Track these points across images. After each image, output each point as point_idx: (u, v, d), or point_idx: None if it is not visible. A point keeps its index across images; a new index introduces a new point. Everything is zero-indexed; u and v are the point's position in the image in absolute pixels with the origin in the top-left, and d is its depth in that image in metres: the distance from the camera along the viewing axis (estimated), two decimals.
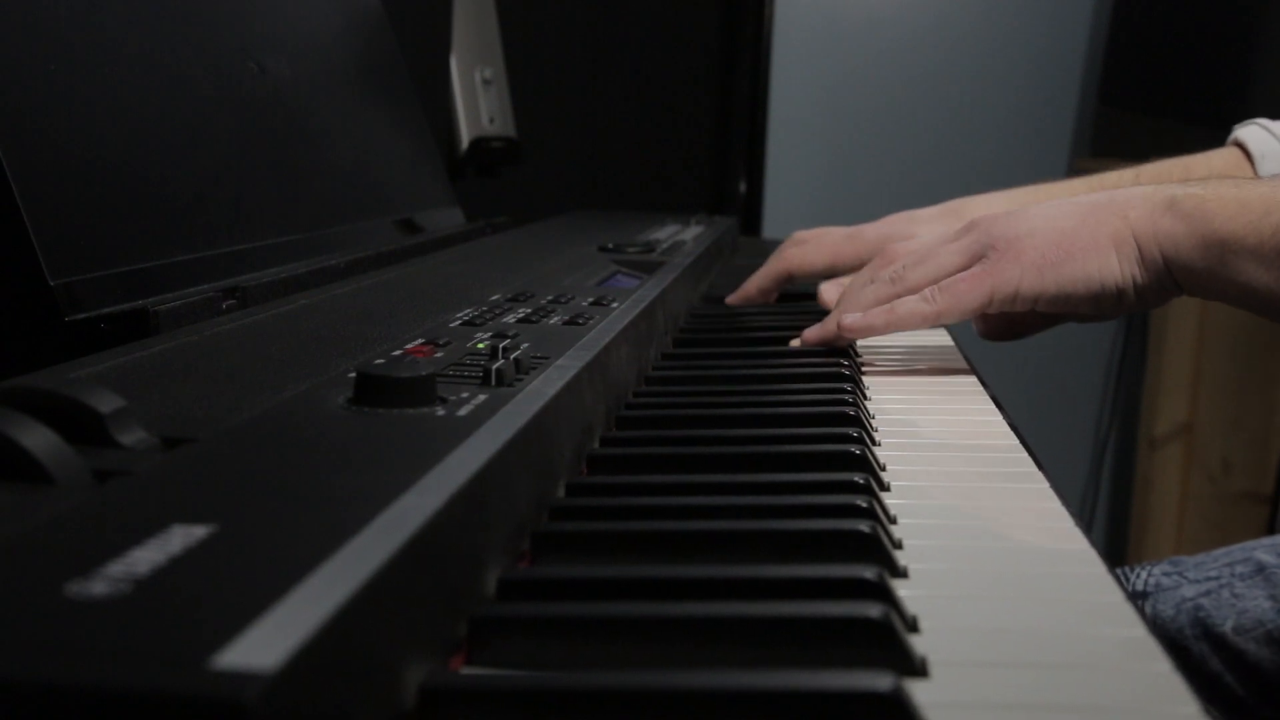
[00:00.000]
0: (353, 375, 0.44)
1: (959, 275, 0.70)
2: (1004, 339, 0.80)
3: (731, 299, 0.97)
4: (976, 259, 0.70)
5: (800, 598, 0.37)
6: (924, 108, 2.12)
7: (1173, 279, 0.66)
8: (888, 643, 0.34)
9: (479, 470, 0.37)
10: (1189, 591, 0.78)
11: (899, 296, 0.72)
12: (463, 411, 0.43)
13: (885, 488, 0.52)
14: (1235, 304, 0.65)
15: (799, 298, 0.97)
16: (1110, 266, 0.66)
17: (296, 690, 0.24)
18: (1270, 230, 0.61)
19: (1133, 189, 0.69)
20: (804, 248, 0.94)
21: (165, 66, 0.72)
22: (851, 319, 0.72)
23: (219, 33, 0.80)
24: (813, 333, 0.77)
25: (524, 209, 1.43)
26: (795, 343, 0.78)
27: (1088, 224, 0.67)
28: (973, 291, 0.68)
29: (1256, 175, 0.91)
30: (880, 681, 0.30)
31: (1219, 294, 0.65)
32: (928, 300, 0.70)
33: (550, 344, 0.57)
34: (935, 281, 0.71)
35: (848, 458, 0.53)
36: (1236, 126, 0.94)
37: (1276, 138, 0.91)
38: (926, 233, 0.89)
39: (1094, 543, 0.45)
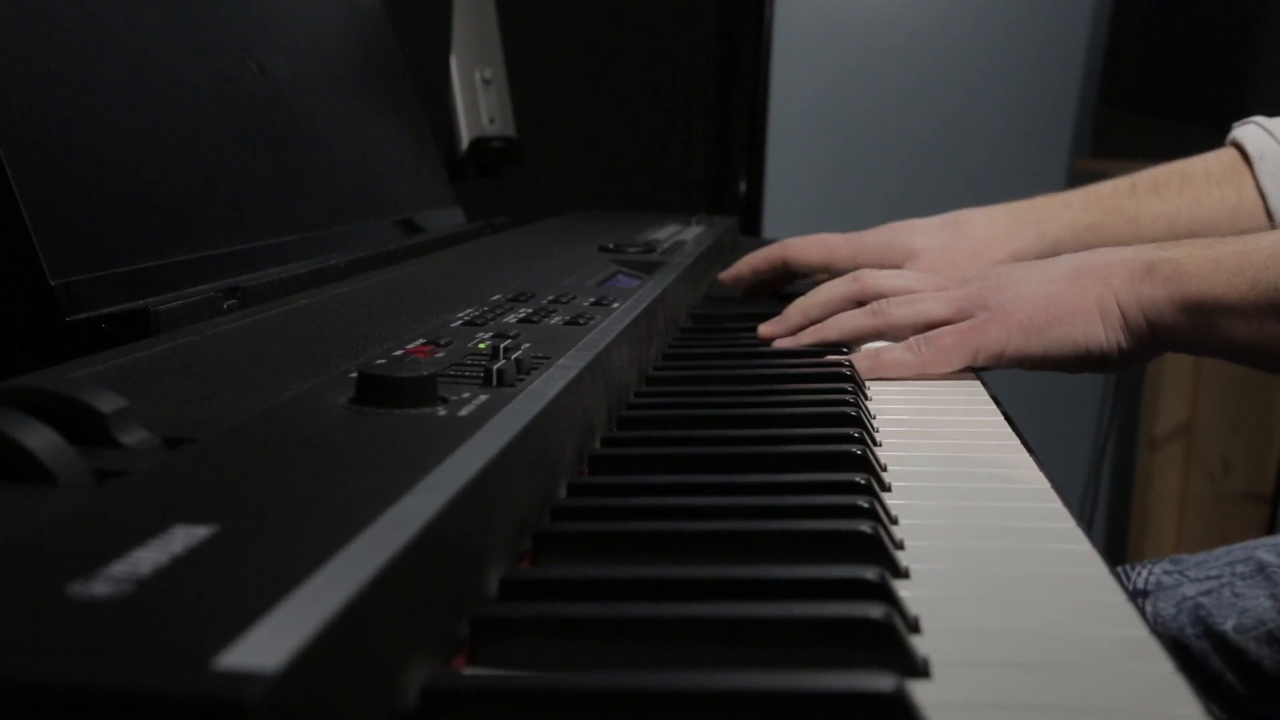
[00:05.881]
0: (354, 375, 0.44)
1: (945, 330, 0.72)
2: None
3: (724, 275, 0.98)
4: (964, 315, 0.72)
5: (802, 598, 0.37)
6: (924, 108, 2.12)
7: (1157, 340, 0.69)
8: (889, 643, 0.34)
9: (480, 471, 0.37)
10: (1190, 590, 0.78)
11: (879, 330, 0.75)
12: (464, 412, 0.43)
13: (886, 488, 0.52)
14: (1221, 358, 0.68)
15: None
16: (1095, 332, 0.69)
17: (298, 691, 0.24)
18: (1247, 286, 0.63)
19: (1113, 252, 0.71)
20: (804, 240, 0.96)
21: (165, 66, 0.72)
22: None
23: (219, 33, 0.80)
24: (771, 331, 0.79)
25: (524, 209, 1.43)
26: (785, 340, 0.79)
27: (1073, 289, 0.70)
28: (958, 348, 0.71)
29: (1255, 175, 0.90)
30: (882, 682, 0.30)
31: (1205, 350, 0.68)
32: (913, 351, 0.72)
33: (551, 344, 0.56)
34: (916, 325, 0.74)
35: (849, 458, 0.53)
36: (1235, 126, 0.93)
37: (1274, 137, 0.90)
38: (924, 244, 0.92)
39: (1094, 542, 0.45)
